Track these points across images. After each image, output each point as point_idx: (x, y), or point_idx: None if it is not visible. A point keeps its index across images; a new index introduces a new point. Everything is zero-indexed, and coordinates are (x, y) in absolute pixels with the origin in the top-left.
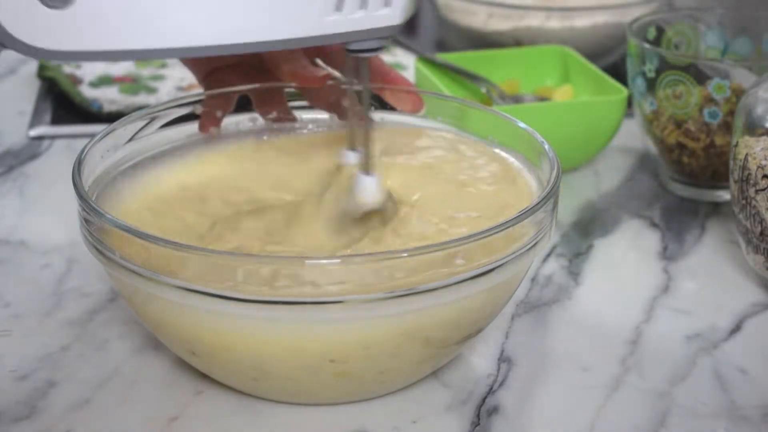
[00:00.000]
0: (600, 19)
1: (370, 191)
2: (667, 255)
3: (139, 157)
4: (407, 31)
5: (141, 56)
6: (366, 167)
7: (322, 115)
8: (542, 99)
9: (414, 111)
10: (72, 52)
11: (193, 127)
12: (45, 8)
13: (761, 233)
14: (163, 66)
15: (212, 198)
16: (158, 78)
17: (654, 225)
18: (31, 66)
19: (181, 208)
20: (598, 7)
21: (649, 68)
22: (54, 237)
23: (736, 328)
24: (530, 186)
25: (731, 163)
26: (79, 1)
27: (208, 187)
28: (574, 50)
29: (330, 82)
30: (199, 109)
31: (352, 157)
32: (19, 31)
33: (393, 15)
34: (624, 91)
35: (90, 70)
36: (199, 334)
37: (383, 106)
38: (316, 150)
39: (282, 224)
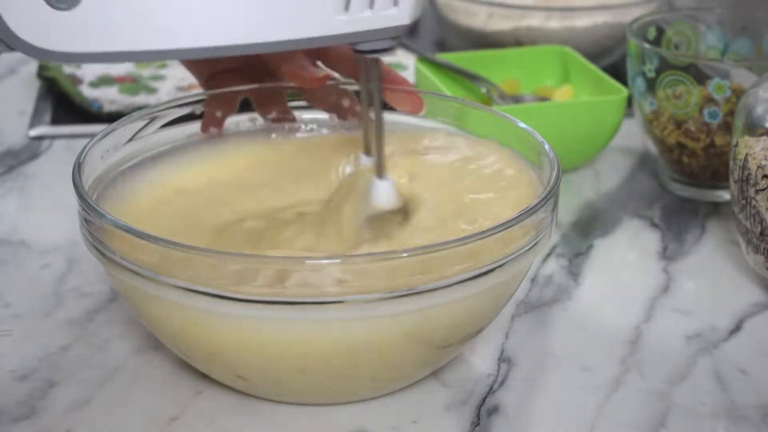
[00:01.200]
0: (600, 19)
1: (385, 195)
2: (667, 255)
3: (139, 157)
4: (407, 31)
5: (147, 58)
6: (380, 171)
7: (322, 115)
8: (542, 99)
9: (414, 111)
10: (78, 54)
11: (193, 127)
12: (51, 9)
13: (761, 233)
14: (163, 66)
15: (212, 198)
16: (158, 78)
17: (654, 225)
18: (31, 66)
19: (180, 208)
20: (598, 7)
21: (649, 68)
22: (54, 237)
23: (736, 328)
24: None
25: (731, 163)
26: (85, 2)
27: (208, 188)
28: (574, 50)
29: (330, 82)
30: (199, 110)
31: (366, 161)
32: (24, 32)
33: (401, 15)
34: (624, 91)
35: (90, 71)
36: (199, 335)
37: (383, 106)
38: (315, 152)
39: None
